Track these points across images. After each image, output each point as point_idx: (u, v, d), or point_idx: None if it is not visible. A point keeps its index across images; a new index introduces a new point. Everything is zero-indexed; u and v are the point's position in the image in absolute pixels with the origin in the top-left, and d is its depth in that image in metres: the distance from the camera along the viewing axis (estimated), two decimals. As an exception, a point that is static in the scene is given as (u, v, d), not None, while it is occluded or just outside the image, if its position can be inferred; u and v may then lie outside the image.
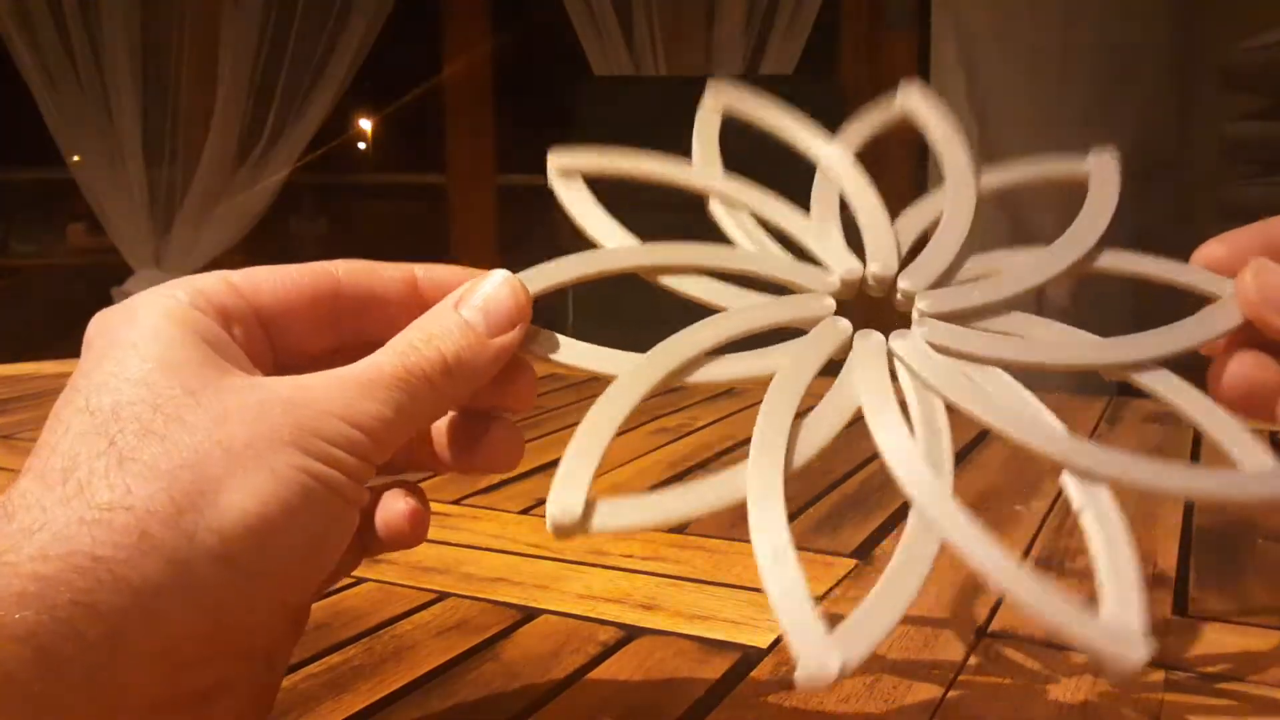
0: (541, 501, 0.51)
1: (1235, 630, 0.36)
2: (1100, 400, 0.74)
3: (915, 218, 0.31)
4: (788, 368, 0.27)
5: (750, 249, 0.30)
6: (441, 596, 0.39)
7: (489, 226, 2.42)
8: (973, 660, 0.33)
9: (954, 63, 1.88)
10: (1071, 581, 0.40)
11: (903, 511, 0.48)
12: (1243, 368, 0.26)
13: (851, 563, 0.43)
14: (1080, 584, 0.40)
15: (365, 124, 2.89)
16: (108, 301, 1.51)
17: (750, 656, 0.34)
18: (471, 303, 0.26)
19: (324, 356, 0.27)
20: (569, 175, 0.30)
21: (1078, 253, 0.29)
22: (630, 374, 0.27)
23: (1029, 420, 0.26)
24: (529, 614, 0.38)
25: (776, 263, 0.29)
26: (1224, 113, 1.50)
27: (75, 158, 2.17)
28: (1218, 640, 0.35)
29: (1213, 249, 0.27)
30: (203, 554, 0.20)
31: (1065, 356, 0.28)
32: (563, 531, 0.26)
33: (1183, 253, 0.29)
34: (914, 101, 0.33)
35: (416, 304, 0.27)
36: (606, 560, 0.43)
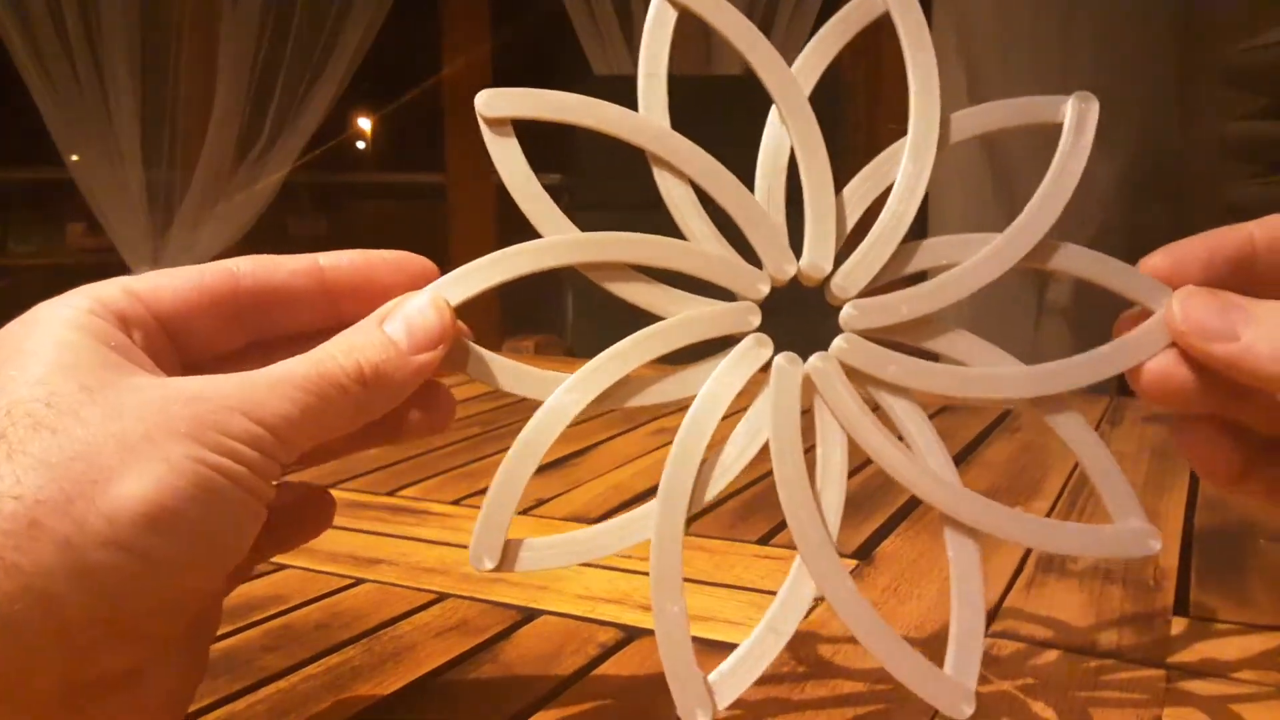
0: (541, 502, 0.51)
1: (1236, 630, 0.36)
2: (1102, 400, 0.74)
3: (870, 182, 0.29)
4: (704, 400, 0.28)
5: (682, 242, 0.28)
6: (441, 597, 0.39)
7: (488, 225, 2.42)
8: (974, 661, 0.33)
9: (955, 63, 1.88)
10: (1071, 582, 0.40)
11: (903, 513, 0.48)
12: (1160, 362, 0.27)
13: (852, 563, 0.43)
14: (1079, 585, 0.40)
15: (364, 123, 2.89)
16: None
17: (751, 657, 0.34)
18: (396, 319, 0.26)
19: (233, 355, 0.27)
20: (500, 125, 0.28)
21: (1024, 249, 0.28)
22: (552, 408, 0.27)
23: (918, 467, 0.28)
24: (528, 615, 0.38)
25: (708, 263, 0.28)
26: (1225, 112, 1.50)
27: (74, 157, 2.17)
28: (1218, 640, 0.35)
29: (1157, 259, 0.28)
30: (93, 539, 0.21)
31: (975, 389, 0.28)
32: (481, 566, 0.28)
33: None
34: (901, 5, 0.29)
35: (322, 294, 0.27)
36: (606, 561, 0.43)
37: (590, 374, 0.28)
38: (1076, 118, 0.29)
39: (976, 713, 0.30)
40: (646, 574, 0.42)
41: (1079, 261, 0.28)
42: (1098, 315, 0.29)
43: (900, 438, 0.29)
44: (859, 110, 2.08)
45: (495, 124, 0.28)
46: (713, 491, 0.29)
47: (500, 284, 0.27)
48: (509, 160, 0.28)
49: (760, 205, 0.28)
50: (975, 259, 0.28)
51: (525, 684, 0.32)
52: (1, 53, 2.11)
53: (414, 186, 2.87)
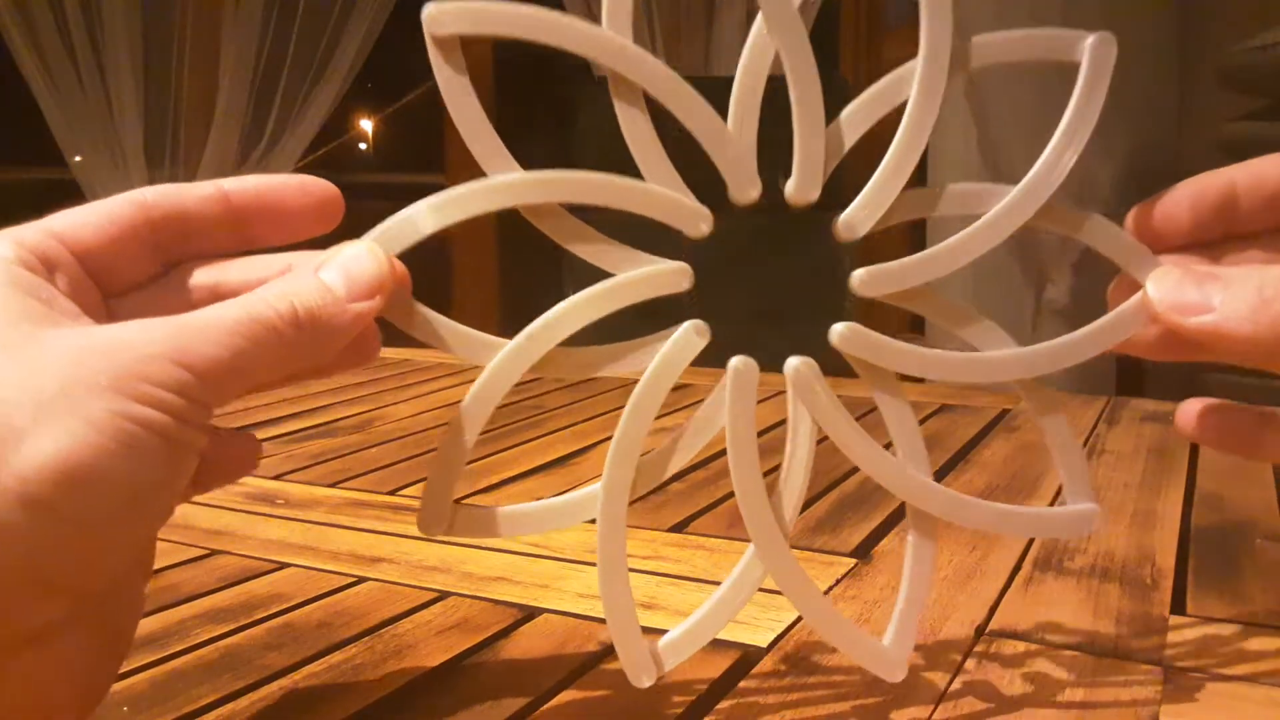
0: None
1: (1233, 630, 0.36)
2: (1099, 400, 0.74)
3: (871, 106, 0.28)
4: (642, 392, 0.28)
5: (623, 179, 0.28)
6: (442, 595, 0.40)
7: (489, 226, 2.43)
8: (972, 658, 0.33)
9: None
10: (1069, 581, 0.40)
11: (901, 512, 0.48)
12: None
13: (851, 562, 0.43)
14: (1077, 583, 0.40)
15: (366, 124, 2.89)
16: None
17: (750, 655, 0.34)
18: (332, 266, 0.26)
19: (150, 283, 0.27)
20: (450, 49, 0.26)
21: (1035, 205, 0.28)
22: (493, 371, 0.28)
23: (895, 467, 0.29)
24: (529, 613, 0.38)
25: (649, 199, 0.28)
26: (1222, 113, 1.51)
27: (77, 158, 2.17)
28: (1216, 640, 0.35)
29: (1145, 209, 0.29)
30: (6, 498, 0.20)
31: (969, 374, 0.29)
32: (429, 532, 0.28)
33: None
34: None
35: (230, 217, 0.28)
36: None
37: (528, 341, 0.28)
38: (1094, 62, 0.28)
39: (974, 712, 0.30)
40: (646, 573, 0.42)
41: (1072, 222, 0.28)
42: (1096, 315, 0.29)
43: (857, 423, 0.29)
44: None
45: (445, 45, 0.26)
46: (659, 478, 0.29)
47: (442, 228, 0.27)
48: (458, 93, 0.27)
49: (723, 124, 0.28)
50: (981, 222, 0.28)
51: (526, 681, 0.32)
52: (4, 53, 2.11)
53: (414, 187, 2.87)
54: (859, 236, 0.28)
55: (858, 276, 0.28)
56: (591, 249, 0.28)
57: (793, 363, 0.29)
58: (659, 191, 0.28)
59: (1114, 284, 0.29)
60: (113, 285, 0.27)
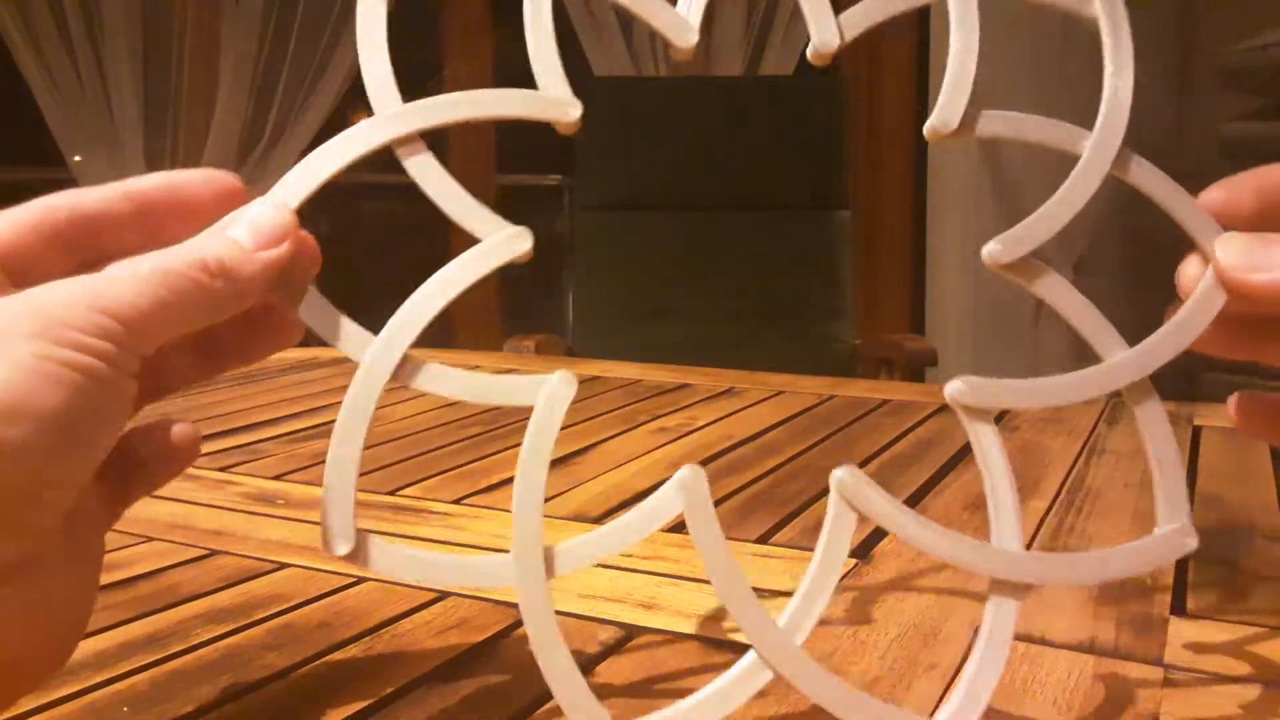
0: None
1: (1234, 629, 0.36)
2: (1099, 401, 0.74)
3: None
4: (529, 454, 0.27)
5: (494, 91, 0.28)
6: (442, 596, 0.40)
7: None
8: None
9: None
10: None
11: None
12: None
13: (851, 562, 0.43)
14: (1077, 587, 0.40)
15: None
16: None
17: (750, 655, 0.34)
18: (238, 223, 0.27)
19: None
20: None
21: (1114, 144, 0.28)
22: (366, 372, 0.28)
23: (972, 545, 0.28)
24: (529, 613, 0.38)
25: (521, 102, 0.28)
26: (1222, 112, 1.51)
27: (76, 158, 2.17)
28: (1217, 639, 0.35)
29: (1212, 194, 0.29)
30: None
31: (1087, 391, 0.28)
32: (332, 550, 0.28)
33: (1179, 254, 0.29)
34: None
35: (138, 214, 0.28)
36: (607, 560, 0.43)
37: (395, 331, 0.28)
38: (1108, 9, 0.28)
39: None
40: (648, 573, 0.42)
41: (1146, 176, 0.29)
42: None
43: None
44: (859, 106, 2.08)
45: None
46: (589, 558, 0.29)
47: (338, 171, 0.28)
48: (370, 10, 0.27)
49: None
50: (1075, 173, 0.28)
51: (526, 682, 0.32)
52: (3, 52, 2.11)
53: (415, 187, 2.87)
54: (952, 129, 0.28)
55: (990, 249, 0.28)
56: (439, 188, 0.29)
57: (839, 474, 0.28)
58: (528, 94, 0.28)
59: (1181, 267, 0.29)
60: (30, 285, 0.27)
